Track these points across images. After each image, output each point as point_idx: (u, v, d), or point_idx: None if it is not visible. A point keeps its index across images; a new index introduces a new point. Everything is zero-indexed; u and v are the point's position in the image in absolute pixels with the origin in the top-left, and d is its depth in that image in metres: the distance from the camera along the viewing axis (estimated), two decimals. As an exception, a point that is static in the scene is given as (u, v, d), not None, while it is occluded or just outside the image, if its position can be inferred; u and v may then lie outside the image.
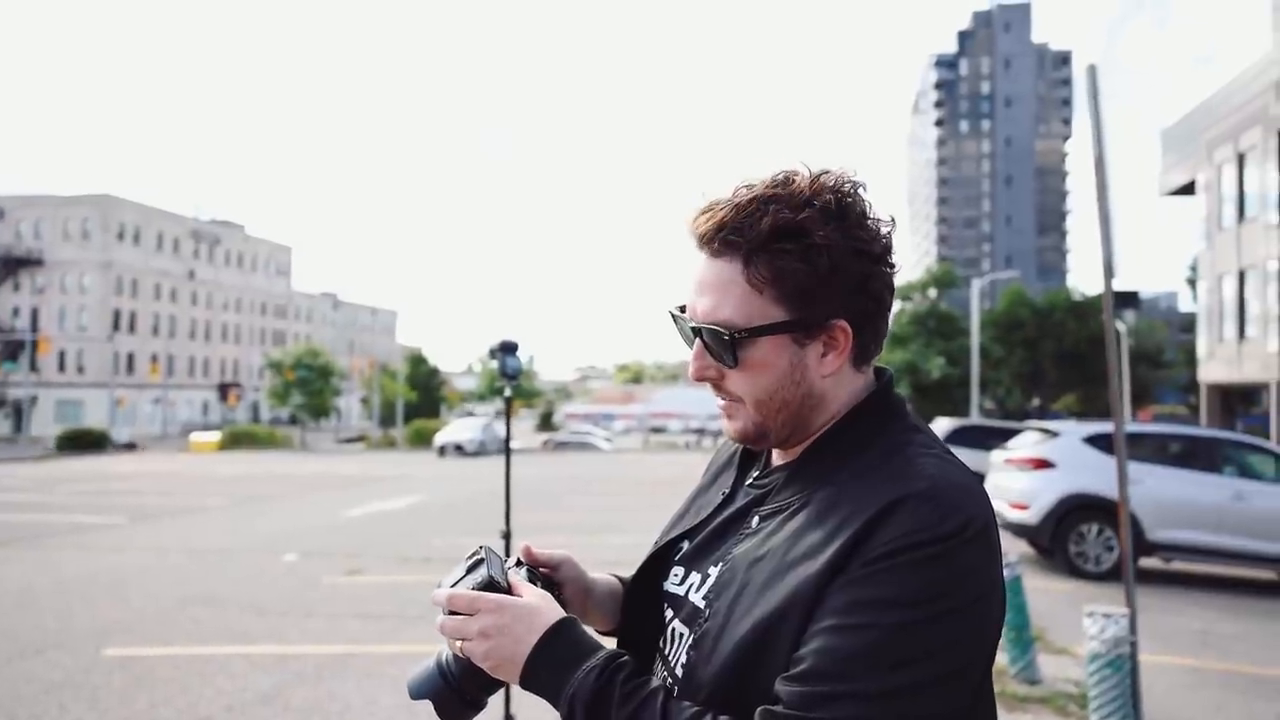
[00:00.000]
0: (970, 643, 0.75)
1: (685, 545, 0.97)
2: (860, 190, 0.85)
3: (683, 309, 0.89)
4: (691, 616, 0.89)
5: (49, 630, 6.18)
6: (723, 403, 0.90)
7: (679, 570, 0.95)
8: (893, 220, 0.86)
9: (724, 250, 0.83)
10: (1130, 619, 3.72)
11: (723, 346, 0.84)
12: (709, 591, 0.87)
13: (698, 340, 0.87)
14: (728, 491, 0.98)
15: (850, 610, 0.73)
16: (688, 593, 0.92)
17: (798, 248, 0.80)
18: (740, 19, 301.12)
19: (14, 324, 57.24)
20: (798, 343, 0.84)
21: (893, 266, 0.86)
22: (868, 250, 0.83)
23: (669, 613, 0.94)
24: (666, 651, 0.92)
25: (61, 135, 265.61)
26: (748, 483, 0.97)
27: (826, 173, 0.85)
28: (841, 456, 0.86)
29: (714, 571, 0.89)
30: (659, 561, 0.99)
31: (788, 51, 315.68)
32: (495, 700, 4.57)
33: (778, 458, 0.95)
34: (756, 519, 0.89)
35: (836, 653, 0.72)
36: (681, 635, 0.89)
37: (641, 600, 0.99)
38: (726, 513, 0.95)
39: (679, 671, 0.87)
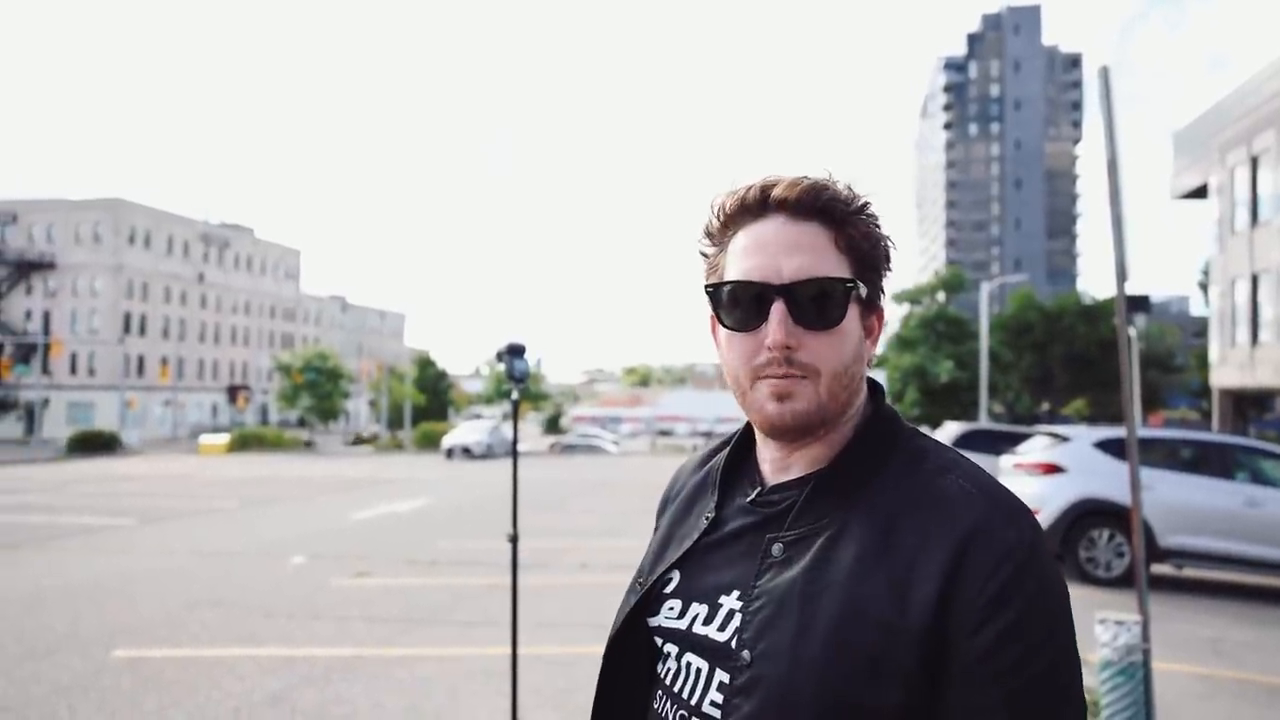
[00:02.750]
0: (1074, 632, 0.78)
1: (674, 577, 0.92)
2: None
3: (721, 284, 0.87)
4: (715, 653, 0.83)
5: (58, 632, 6.21)
6: (782, 382, 0.83)
7: (675, 603, 0.90)
8: None
9: (812, 215, 0.85)
10: (1143, 626, 3.68)
11: (830, 302, 0.83)
12: (738, 627, 0.82)
13: (780, 303, 0.82)
14: (712, 515, 0.93)
15: (998, 677, 0.73)
16: (692, 625, 0.87)
17: (871, 226, 0.87)
18: (748, 21, 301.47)
19: (26, 327, 57.68)
20: (861, 318, 0.87)
21: None
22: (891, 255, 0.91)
23: (671, 648, 0.89)
24: (677, 688, 0.87)
25: (73, 140, 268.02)
26: (747, 501, 0.90)
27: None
28: (864, 473, 0.84)
29: (729, 603, 0.84)
30: (646, 599, 0.94)
31: (796, 54, 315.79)
32: (503, 704, 4.55)
33: (778, 475, 0.90)
34: (779, 547, 0.84)
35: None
36: (700, 670, 0.84)
37: (630, 641, 0.93)
38: (714, 539, 0.90)
39: (712, 711, 0.82)
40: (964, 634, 0.73)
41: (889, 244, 0.89)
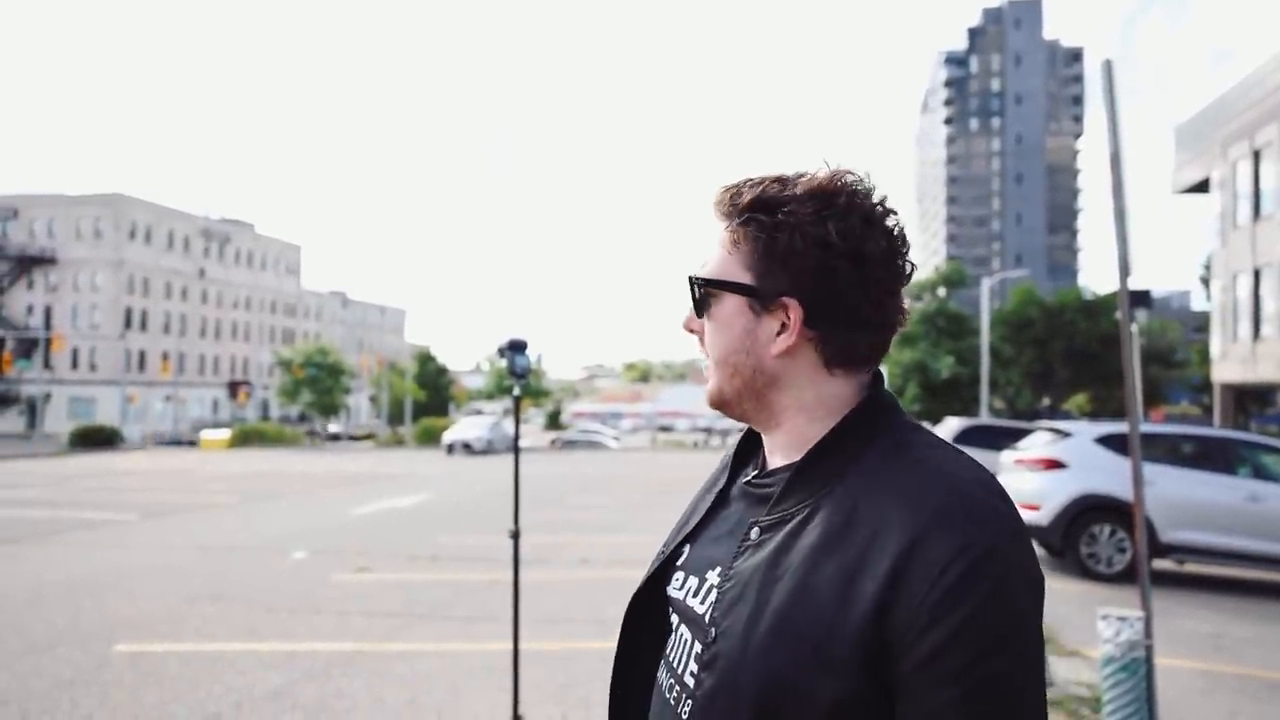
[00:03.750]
0: (1040, 639, 0.76)
1: (686, 549, 0.97)
2: (869, 199, 0.85)
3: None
4: (696, 625, 0.88)
5: (59, 626, 6.21)
6: (705, 364, 0.95)
7: (680, 575, 0.95)
8: (907, 252, 0.86)
9: (721, 216, 0.91)
10: (1145, 622, 3.68)
11: (692, 296, 0.92)
12: (712, 603, 0.86)
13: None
14: (720, 491, 0.99)
15: (948, 680, 0.71)
16: (686, 597, 0.92)
17: (768, 219, 0.86)
18: (749, 17, 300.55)
19: (28, 322, 57.71)
20: (753, 311, 0.88)
21: (880, 283, 0.84)
22: (837, 246, 0.82)
23: (675, 618, 0.94)
24: (671, 656, 0.92)
25: (73, 135, 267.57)
26: (743, 481, 0.96)
27: (848, 172, 0.87)
28: (844, 461, 0.84)
29: (712, 578, 0.88)
30: (665, 567, 0.99)
31: (796, 49, 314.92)
32: (504, 699, 4.55)
33: (775, 459, 0.93)
34: (756, 530, 0.87)
35: None
36: (687, 641, 0.89)
37: (646, 606, 0.99)
38: (718, 515, 0.96)
39: (689, 681, 0.86)
40: (911, 633, 0.72)
41: (805, 239, 0.83)
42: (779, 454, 0.92)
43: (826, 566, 0.77)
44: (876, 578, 0.74)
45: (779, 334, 0.87)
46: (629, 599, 1.00)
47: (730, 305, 0.89)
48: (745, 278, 0.87)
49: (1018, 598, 0.73)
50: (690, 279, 0.92)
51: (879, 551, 0.75)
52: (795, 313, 0.85)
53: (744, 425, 1.02)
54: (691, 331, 0.95)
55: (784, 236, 0.84)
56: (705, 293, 0.91)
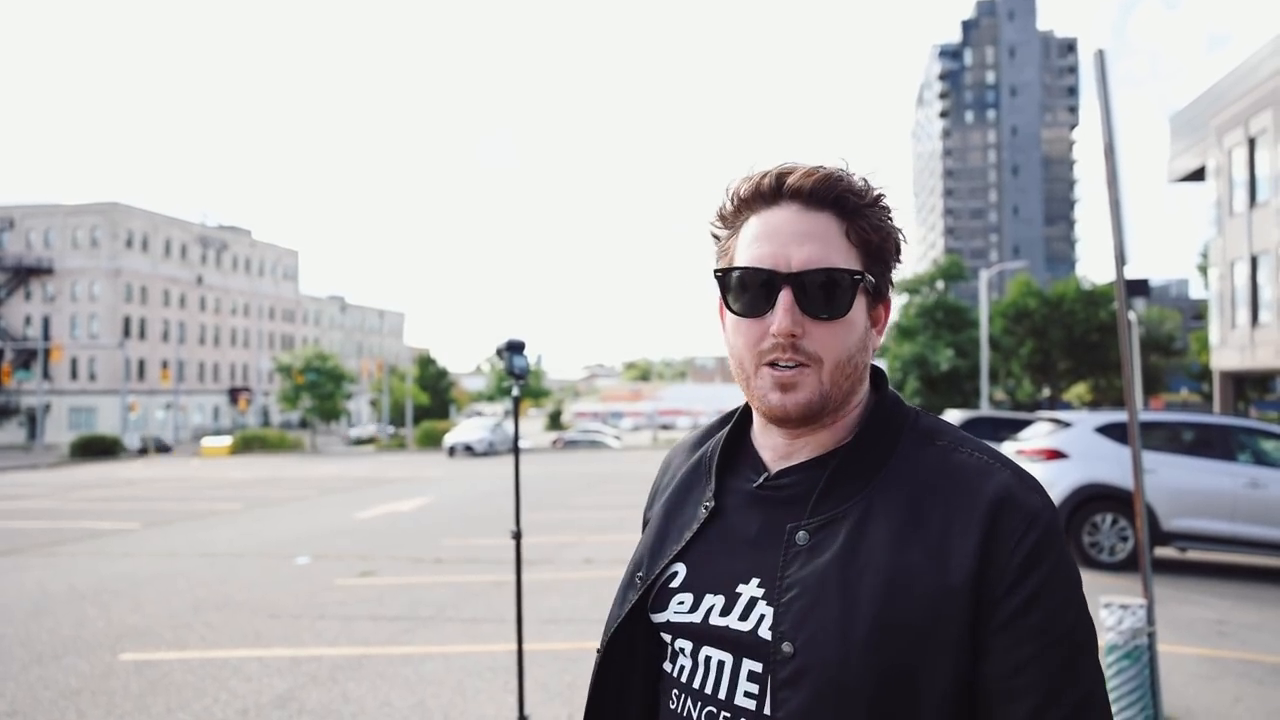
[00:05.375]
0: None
1: (680, 570, 0.89)
2: None
3: (730, 270, 0.86)
4: (740, 645, 0.82)
5: (65, 636, 6.22)
6: (787, 372, 0.82)
7: (685, 597, 0.87)
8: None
9: (825, 205, 0.84)
10: (1148, 609, 3.68)
11: (837, 292, 0.83)
12: (769, 616, 0.80)
13: (786, 291, 0.82)
14: (712, 504, 0.90)
15: (1033, 634, 0.76)
16: (707, 617, 0.85)
17: (887, 218, 0.87)
18: (745, 13, 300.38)
19: (26, 332, 57.67)
20: (868, 308, 0.88)
21: None
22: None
23: (684, 644, 0.86)
24: (698, 684, 0.85)
25: (69, 144, 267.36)
26: (753, 487, 0.89)
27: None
28: (879, 455, 0.85)
29: (749, 592, 0.83)
30: (647, 595, 0.91)
31: (790, 45, 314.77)
32: (509, 700, 4.56)
33: (782, 460, 0.88)
34: (804, 534, 0.82)
35: (1054, 680, 0.76)
36: (723, 663, 0.83)
37: (630, 639, 0.91)
38: (716, 527, 0.89)
39: (745, 704, 0.81)
40: (1000, 594, 0.77)
41: (900, 237, 0.89)
42: (801, 453, 0.87)
43: (912, 555, 0.78)
44: (966, 552, 0.78)
45: (873, 329, 0.89)
46: (610, 631, 0.91)
47: (860, 302, 0.85)
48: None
49: (1073, 560, 0.82)
50: (856, 273, 0.83)
51: (961, 530, 0.78)
52: (888, 309, 0.90)
53: (703, 426, 1.03)
54: (793, 336, 0.82)
55: (894, 236, 0.88)
56: (851, 290, 0.83)
